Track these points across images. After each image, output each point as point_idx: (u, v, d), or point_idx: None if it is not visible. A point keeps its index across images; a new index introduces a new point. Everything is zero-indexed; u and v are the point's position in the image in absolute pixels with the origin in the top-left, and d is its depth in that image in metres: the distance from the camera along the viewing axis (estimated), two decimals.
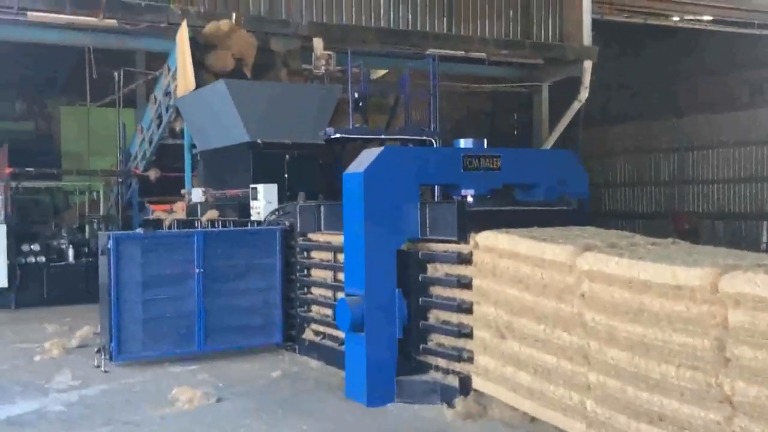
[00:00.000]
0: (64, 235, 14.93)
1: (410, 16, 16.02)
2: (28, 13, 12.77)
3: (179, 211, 13.65)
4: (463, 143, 8.26)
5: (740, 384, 4.53)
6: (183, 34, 13.04)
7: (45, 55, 18.63)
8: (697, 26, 19.62)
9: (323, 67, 13.97)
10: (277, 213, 10.40)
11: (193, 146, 14.09)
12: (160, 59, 14.73)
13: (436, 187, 10.56)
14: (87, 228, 15.48)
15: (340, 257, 8.26)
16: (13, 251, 13.83)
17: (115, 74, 16.51)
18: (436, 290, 7.38)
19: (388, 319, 7.25)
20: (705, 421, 4.72)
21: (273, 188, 10.78)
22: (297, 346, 9.54)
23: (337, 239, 8.29)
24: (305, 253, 9.51)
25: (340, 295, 7.82)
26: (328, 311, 8.83)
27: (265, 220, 10.41)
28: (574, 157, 8.92)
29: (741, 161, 21.31)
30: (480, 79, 19.18)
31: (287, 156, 11.50)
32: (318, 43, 14.31)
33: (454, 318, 7.14)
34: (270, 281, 9.62)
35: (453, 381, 7.02)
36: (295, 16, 14.55)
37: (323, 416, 6.95)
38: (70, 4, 12.78)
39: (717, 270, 4.72)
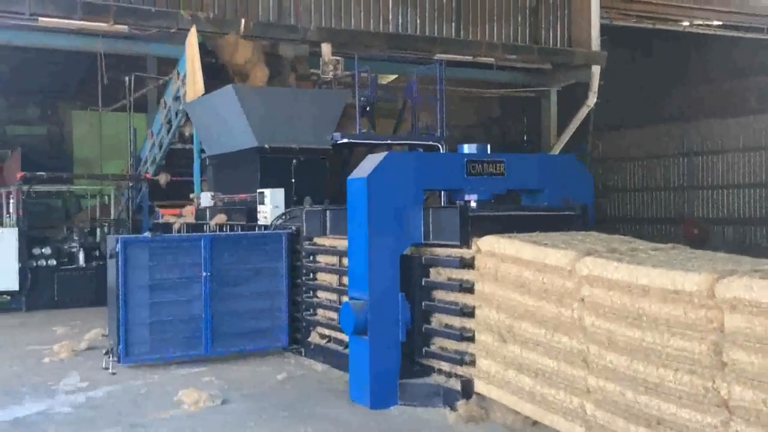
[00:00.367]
0: (75, 238, 15.07)
1: (418, 21, 16.05)
2: (40, 18, 12.89)
3: (188, 215, 13.75)
4: (467, 148, 8.28)
5: (737, 388, 4.57)
6: (192, 40, 13.19)
7: (57, 60, 18.84)
8: (706, 31, 19.57)
9: (331, 73, 14.05)
10: (283, 217, 10.48)
11: (202, 151, 14.20)
12: (171, 64, 14.83)
13: (442, 192, 10.61)
14: (98, 231, 15.61)
15: (346, 261, 8.31)
16: (25, 254, 14.01)
17: (126, 79, 16.67)
18: (439, 294, 7.43)
19: (391, 322, 7.30)
20: (702, 424, 4.76)
21: (280, 193, 10.85)
22: (303, 350, 9.61)
23: (343, 243, 8.36)
24: (311, 257, 9.59)
25: (346, 298, 7.90)
26: (334, 315, 8.89)
27: (271, 224, 10.49)
28: (579, 161, 8.97)
29: (751, 166, 21.26)
30: (488, 84, 19.19)
31: (294, 161, 11.57)
32: (326, 48, 14.36)
33: (457, 322, 7.18)
34: (276, 285, 9.71)
35: (455, 384, 7.06)
36: (303, 22, 14.62)
37: (326, 419, 7.01)
38: (81, 9, 12.90)
39: (714, 275, 4.76)
